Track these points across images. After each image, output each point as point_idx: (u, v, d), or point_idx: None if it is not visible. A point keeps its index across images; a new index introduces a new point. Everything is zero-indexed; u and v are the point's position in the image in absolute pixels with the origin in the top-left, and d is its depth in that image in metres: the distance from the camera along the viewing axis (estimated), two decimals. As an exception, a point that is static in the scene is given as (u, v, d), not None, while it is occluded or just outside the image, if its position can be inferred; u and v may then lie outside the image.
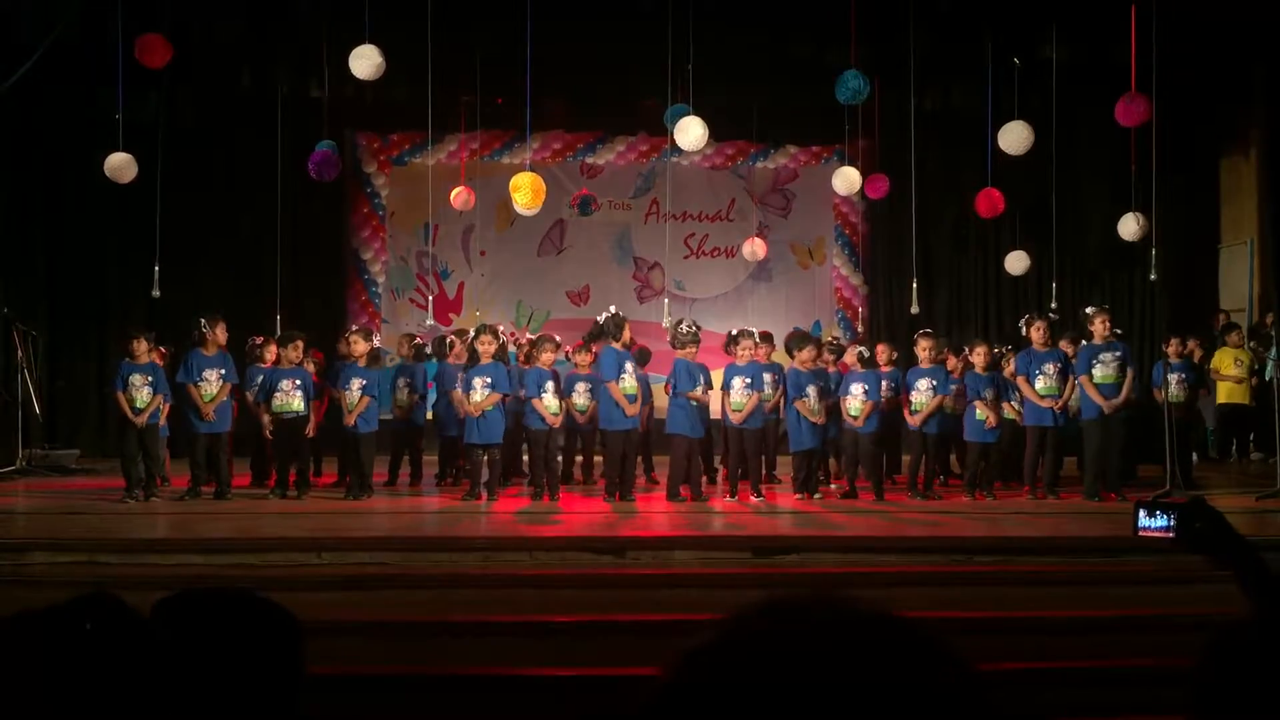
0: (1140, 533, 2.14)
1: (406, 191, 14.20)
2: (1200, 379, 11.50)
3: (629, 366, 9.70)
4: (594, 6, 11.50)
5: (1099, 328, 9.68)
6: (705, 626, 0.93)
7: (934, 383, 9.92)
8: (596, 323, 10.35)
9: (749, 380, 9.67)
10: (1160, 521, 2.10)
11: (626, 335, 9.81)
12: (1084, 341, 9.86)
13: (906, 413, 9.97)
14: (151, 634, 1.47)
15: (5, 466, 11.33)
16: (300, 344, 10.07)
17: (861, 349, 10.25)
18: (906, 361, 10.56)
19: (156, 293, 11.04)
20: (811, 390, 9.61)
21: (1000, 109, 11.31)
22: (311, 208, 13.50)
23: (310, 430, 9.95)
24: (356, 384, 9.81)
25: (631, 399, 9.65)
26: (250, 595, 1.78)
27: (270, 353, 10.27)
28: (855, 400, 9.75)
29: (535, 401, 9.64)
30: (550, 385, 9.71)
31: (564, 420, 9.99)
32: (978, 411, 9.77)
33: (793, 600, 0.93)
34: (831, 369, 10.28)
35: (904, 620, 0.92)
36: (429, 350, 11.28)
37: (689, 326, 9.85)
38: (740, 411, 9.60)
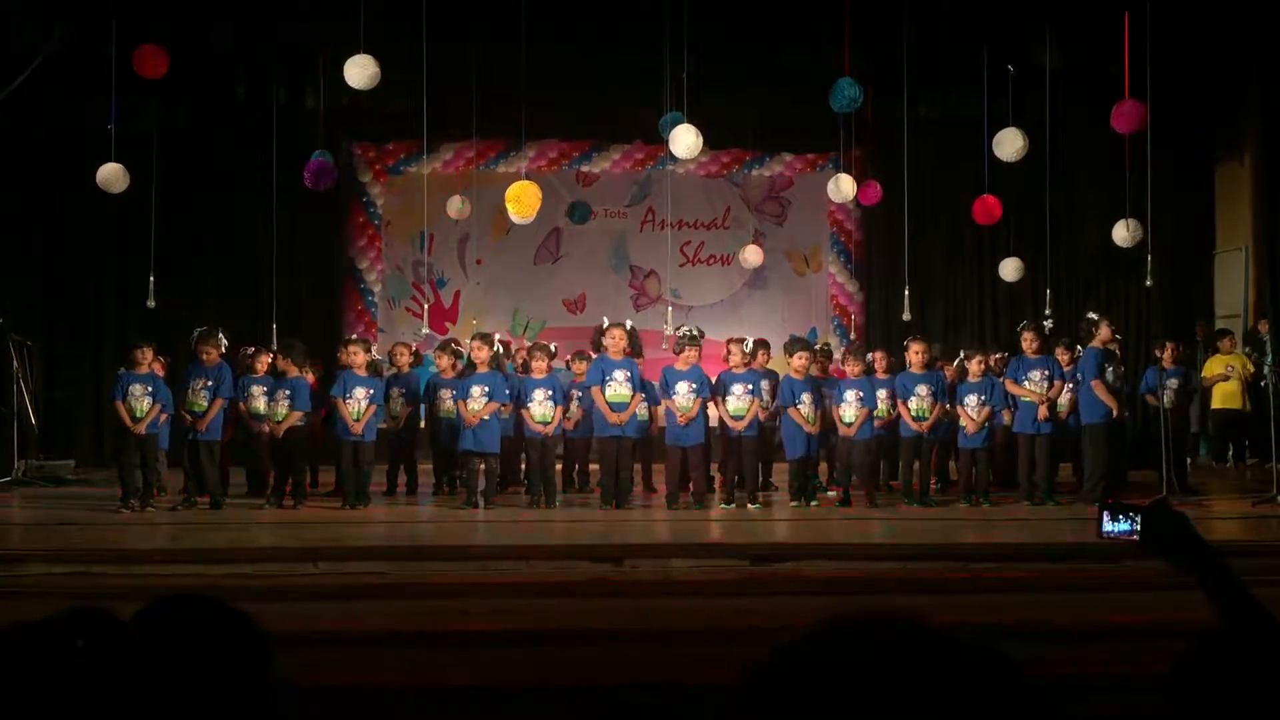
0: (1103, 535, 2.13)
1: (402, 201, 14.18)
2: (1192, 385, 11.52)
3: (618, 374, 9.66)
4: (589, 15, 11.52)
5: (1105, 333, 9.69)
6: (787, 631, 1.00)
7: (931, 388, 9.92)
8: (597, 330, 10.38)
9: (749, 387, 9.66)
10: (1124, 525, 2.08)
11: (620, 343, 9.75)
12: (1091, 346, 9.81)
13: (907, 418, 9.90)
14: (142, 649, 1.46)
15: (1, 477, 11.31)
16: (290, 355, 10.09)
17: (875, 354, 10.29)
18: (902, 368, 10.56)
19: (152, 303, 11.04)
20: (806, 397, 9.61)
21: (995, 116, 11.33)
22: (307, 217, 13.50)
23: (277, 430, 9.88)
24: (362, 393, 9.80)
25: (620, 407, 9.60)
26: (215, 603, 1.76)
27: (262, 363, 10.27)
28: (850, 408, 9.75)
29: (524, 411, 9.63)
30: (542, 394, 9.69)
31: (559, 428, 9.99)
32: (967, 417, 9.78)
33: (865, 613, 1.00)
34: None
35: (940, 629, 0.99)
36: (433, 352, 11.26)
37: (685, 331, 9.87)
38: (742, 419, 9.59)
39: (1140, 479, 10.52)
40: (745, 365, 9.85)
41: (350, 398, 9.80)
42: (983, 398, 9.79)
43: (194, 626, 1.66)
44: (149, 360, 9.64)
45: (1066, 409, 10.13)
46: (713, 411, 9.86)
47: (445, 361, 10.68)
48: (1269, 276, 13.68)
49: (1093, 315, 10.07)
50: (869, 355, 10.28)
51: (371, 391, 9.84)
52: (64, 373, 13.69)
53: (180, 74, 11.02)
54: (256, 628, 1.72)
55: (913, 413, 9.84)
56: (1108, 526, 2.11)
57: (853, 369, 10.09)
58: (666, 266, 13.89)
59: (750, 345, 10.04)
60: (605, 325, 9.96)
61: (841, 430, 9.80)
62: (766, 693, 0.94)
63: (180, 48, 10.93)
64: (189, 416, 9.63)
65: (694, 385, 9.50)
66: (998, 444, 10.12)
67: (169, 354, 10.65)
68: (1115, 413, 9.60)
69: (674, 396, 9.51)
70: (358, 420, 9.72)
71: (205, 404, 9.68)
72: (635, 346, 9.84)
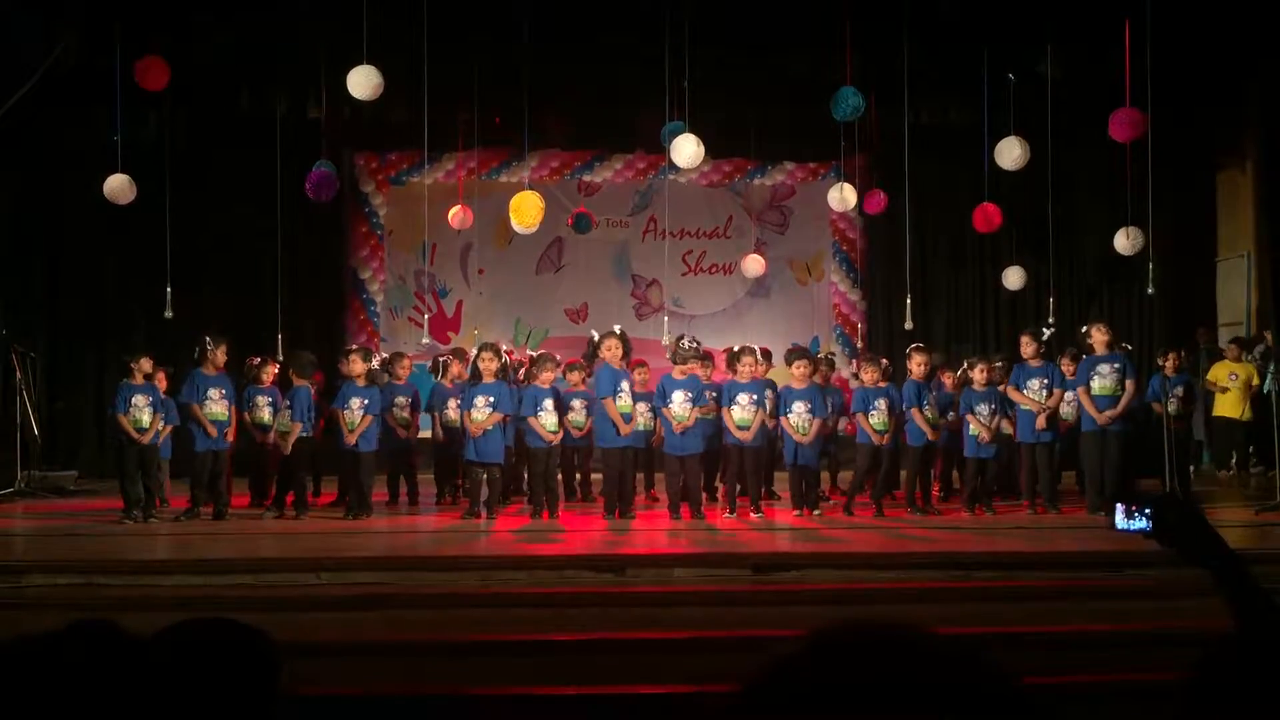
0: (1117, 530, 2.13)
1: (404, 211, 14.21)
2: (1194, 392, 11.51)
3: (624, 385, 9.67)
4: (591, 25, 11.54)
5: (1098, 338, 9.68)
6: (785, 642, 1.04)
7: (932, 397, 9.90)
8: (590, 341, 10.38)
9: (754, 396, 9.65)
10: (1139, 523, 2.08)
11: (618, 352, 9.75)
12: (1084, 355, 9.85)
13: (922, 424, 9.86)
14: (146, 660, 1.47)
15: (4, 488, 11.30)
16: (293, 365, 10.11)
17: (884, 363, 10.31)
18: (903, 377, 10.55)
19: (169, 313, 11.08)
20: (804, 406, 9.58)
21: (996, 124, 11.34)
22: (310, 228, 13.51)
23: (283, 444, 9.90)
24: (357, 403, 9.80)
25: (627, 418, 9.62)
26: (229, 622, 1.76)
27: (268, 373, 10.27)
28: (879, 415, 9.72)
29: (532, 420, 9.63)
30: (548, 403, 9.70)
31: (562, 438, 9.98)
32: (971, 426, 9.76)
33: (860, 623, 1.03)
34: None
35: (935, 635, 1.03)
36: (430, 367, 11.33)
37: (689, 343, 9.85)
38: (747, 429, 9.57)
39: (1143, 487, 10.51)
40: (753, 375, 9.84)
41: (347, 408, 9.81)
42: (993, 406, 9.78)
43: (212, 646, 1.66)
44: (148, 372, 9.65)
45: (1072, 417, 10.11)
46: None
47: (455, 369, 10.71)
48: (1271, 283, 13.67)
49: (1086, 328, 10.06)
50: (884, 363, 10.29)
51: (366, 402, 9.84)
52: (66, 384, 13.70)
53: (183, 85, 11.03)
54: (268, 645, 1.72)
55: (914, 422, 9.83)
56: (1121, 523, 2.11)
57: (870, 376, 10.03)
58: (668, 276, 13.90)
59: (759, 353, 10.02)
60: (597, 337, 9.97)
61: (875, 439, 9.75)
62: (762, 703, 0.94)
63: (183, 59, 10.95)
64: (213, 427, 9.61)
65: (689, 394, 9.49)
66: (1002, 453, 10.08)
67: (171, 364, 10.66)
68: (1099, 420, 9.52)
69: (670, 405, 9.51)
70: (351, 431, 9.73)
71: (225, 414, 9.68)
72: (627, 352, 9.86)
